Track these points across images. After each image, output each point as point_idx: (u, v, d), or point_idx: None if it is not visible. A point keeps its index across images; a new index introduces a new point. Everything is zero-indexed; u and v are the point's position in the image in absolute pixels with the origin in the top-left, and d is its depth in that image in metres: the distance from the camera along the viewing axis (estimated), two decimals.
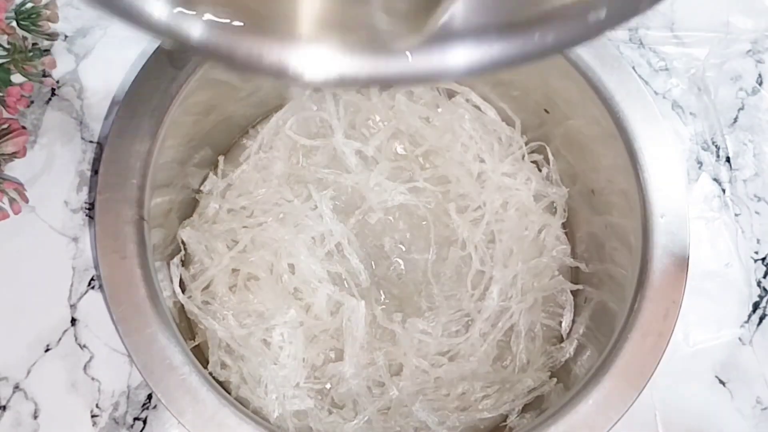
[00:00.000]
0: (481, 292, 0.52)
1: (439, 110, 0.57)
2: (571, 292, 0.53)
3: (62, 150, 0.49)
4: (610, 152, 0.48)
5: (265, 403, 0.46)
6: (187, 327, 0.50)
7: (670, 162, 0.46)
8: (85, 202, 0.47)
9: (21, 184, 0.47)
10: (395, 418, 0.48)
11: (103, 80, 0.50)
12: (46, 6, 0.48)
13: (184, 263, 0.51)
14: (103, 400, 0.44)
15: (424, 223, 0.55)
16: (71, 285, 0.46)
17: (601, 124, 0.48)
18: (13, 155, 0.46)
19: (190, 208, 0.53)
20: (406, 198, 0.53)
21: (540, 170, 0.56)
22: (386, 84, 0.24)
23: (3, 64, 0.47)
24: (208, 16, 0.21)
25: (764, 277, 0.51)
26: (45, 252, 0.46)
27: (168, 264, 0.49)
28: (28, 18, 0.48)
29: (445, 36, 0.22)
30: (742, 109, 0.54)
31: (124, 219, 0.43)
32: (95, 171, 0.47)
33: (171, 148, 0.47)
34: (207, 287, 0.50)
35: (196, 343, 0.49)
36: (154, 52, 0.46)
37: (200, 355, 0.49)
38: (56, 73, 0.50)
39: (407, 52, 0.22)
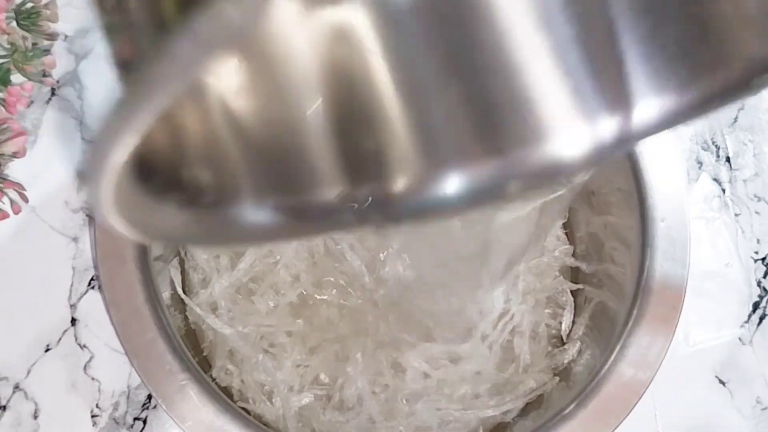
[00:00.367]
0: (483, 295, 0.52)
1: None
2: (572, 292, 0.53)
3: (62, 150, 0.48)
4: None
5: (267, 409, 0.46)
6: (187, 332, 0.50)
7: (670, 162, 0.46)
8: (85, 202, 0.47)
9: (21, 184, 0.47)
10: (397, 418, 0.48)
11: (103, 80, 0.50)
12: (46, 6, 0.48)
13: (186, 266, 0.51)
14: (103, 400, 0.44)
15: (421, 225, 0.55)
16: (71, 285, 0.46)
17: None
18: (13, 155, 0.46)
19: None
20: None
21: None
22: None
23: (3, 64, 0.47)
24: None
25: (764, 277, 0.51)
26: (45, 252, 0.46)
27: (171, 267, 0.49)
28: (28, 18, 0.48)
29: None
30: (742, 109, 0.54)
31: None
32: None
33: None
34: (210, 295, 0.50)
35: (203, 353, 0.49)
36: None
37: (201, 360, 0.49)
38: (56, 73, 0.50)
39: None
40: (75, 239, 0.47)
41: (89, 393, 0.44)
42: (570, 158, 0.21)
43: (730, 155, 0.53)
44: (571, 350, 0.50)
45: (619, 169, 0.48)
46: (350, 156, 0.22)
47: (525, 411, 0.50)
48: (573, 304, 0.53)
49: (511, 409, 0.49)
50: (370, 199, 0.22)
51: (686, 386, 0.48)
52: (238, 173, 0.22)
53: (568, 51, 0.20)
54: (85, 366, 0.45)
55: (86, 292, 0.46)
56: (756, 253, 0.51)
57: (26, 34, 0.47)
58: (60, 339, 0.45)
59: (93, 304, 0.46)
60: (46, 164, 0.48)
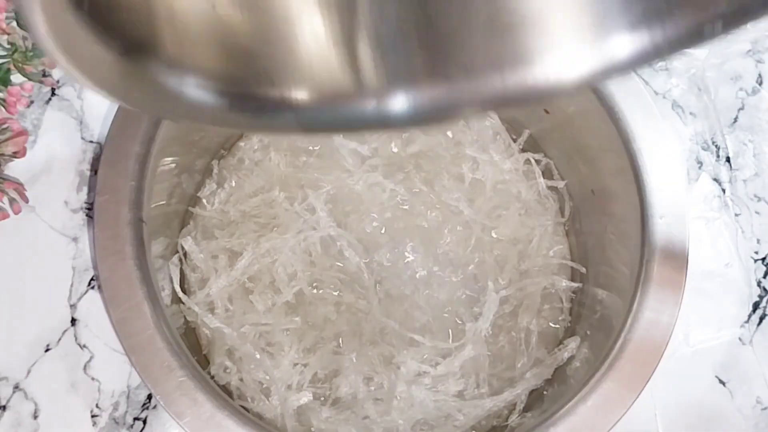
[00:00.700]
0: (481, 293, 0.52)
1: None
2: (572, 291, 0.53)
3: (62, 150, 0.48)
4: (609, 152, 0.48)
5: (266, 407, 0.46)
6: (186, 330, 0.50)
7: (670, 162, 0.46)
8: (85, 202, 0.47)
9: (21, 184, 0.47)
10: (393, 414, 0.48)
11: None
12: None
13: (184, 266, 0.51)
14: (103, 400, 0.44)
15: (423, 224, 0.55)
16: (71, 285, 0.46)
17: (601, 124, 0.48)
18: (13, 155, 0.46)
19: (189, 209, 0.53)
20: (403, 199, 0.53)
21: (539, 170, 0.56)
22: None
23: (3, 64, 0.47)
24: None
25: (764, 277, 0.51)
26: (45, 252, 0.46)
27: (170, 267, 0.49)
28: None
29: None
30: (742, 109, 0.54)
31: (123, 221, 0.43)
32: (95, 171, 0.47)
33: (170, 149, 0.47)
34: (208, 295, 0.50)
35: (202, 351, 0.49)
36: None
37: (200, 358, 0.49)
38: (56, 73, 0.50)
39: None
40: (75, 239, 0.47)
41: (89, 393, 0.44)
42: (563, 80, 0.21)
43: (730, 155, 0.53)
44: (571, 346, 0.50)
45: (619, 168, 0.48)
46: (300, 61, 0.22)
47: (524, 408, 0.50)
48: (573, 303, 0.53)
49: (512, 409, 0.49)
50: (308, 103, 0.22)
51: (686, 386, 0.48)
52: (168, 29, 0.22)
53: None
54: (85, 366, 0.45)
55: (86, 292, 0.46)
56: (756, 253, 0.51)
57: (26, 34, 0.47)
58: (60, 339, 0.45)
59: (93, 304, 0.45)
60: (46, 164, 0.48)
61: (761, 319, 0.50)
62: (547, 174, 0.56)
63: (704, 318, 0.49)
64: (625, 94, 0.47)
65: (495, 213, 0.55)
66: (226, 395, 0.42)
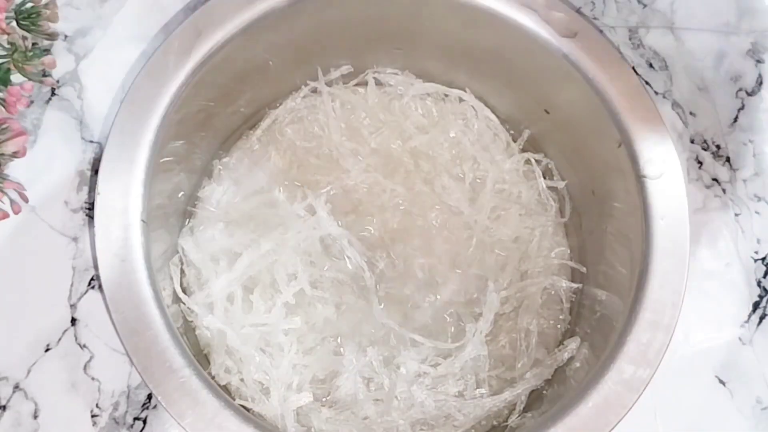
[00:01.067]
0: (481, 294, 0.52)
1: (433, 114, 0.57)
2: (572, 291, 0.53)
3: (62, 150, 0.48)
4: (610, 152, 0.48)
5: (266, 407, 0.46)
6: (187, 330, 0.50)
7: (670, 162, 0.46)
8: (85, 202, 0.47)
9: (21, 184, 0.47)
10: (393, 414, 0.48)
11: (103, 80, 0.50)
12: (45, 6, 0.48)
13: (184, 266, 0.51)
14: (103, 400, 0.44)
15: (423, 224, 0.55)
16: (71, 285, 0.46)
17: (601, 124, 0.48)
18: (13, 155, 0.46)
19: (189, 209, 0.53)
20: (403, 199, 0.53)
21: (539, 170, 0.56)
22: None
23: (3, 63, 0.47)
24: None
25: (764, 276, 0.51)
26: (45, 252, 0.46)
27: (170, 267, 0.49)
28: (28, 18, 0.48)
29: None
30: (742, 109, 0.54)
31: (123, 220, 0.43)
32: (95, 171, 0.47)
33: (170, 149, 0.47)
34: (207, 295, 0.50)
35: (202, 351, 0.49)
36: (155, 51, 0.46)
37: (201, 358, 0.49)
38: (56, 73, 0.50)
39: None
40: (75, 239, 0.47)
41: (89, 393, 0.44)
42: None
43: (730, 155, 0.53)
44: (571, 347, 0.50)
45: (619, 169, 0.48)
46: None
47: (524, 409, 0.50)
48: (572, 301, 0.53)
49: (512, 409, 0.49)
50: None
51: (686, 386, 0.48)
52: None
53: None
54: (85, 366, 0.45)
55: (86, 292, 0.46)
56: (756, 253, 0.51)
57: (26, 34, 0.47)
58: (60, 339, 0.45)
59: (93, 304, 0.46)
60: (46, 164, 0.48)
61: (761, 318, 0.50)
62: (547, 174, 0.56)
63: (704, 318, 0.49)
64: (625, 94, 0.47)
65: (495, 213, 0.55)
66: (227, 395, 0.42)
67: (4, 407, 0.44)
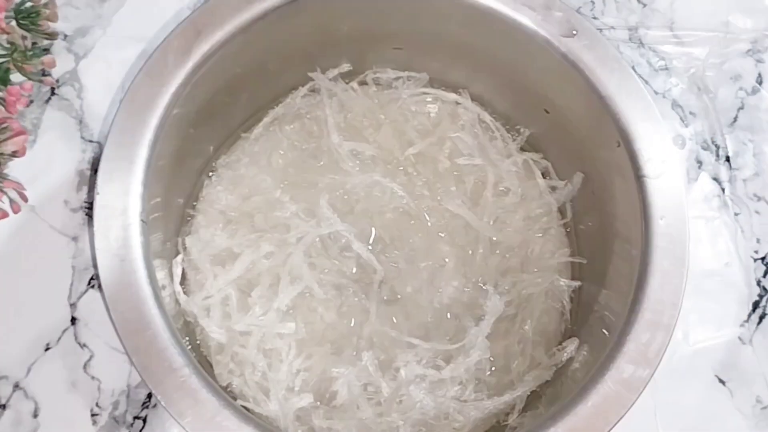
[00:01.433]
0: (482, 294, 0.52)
1: (432, 115, 0.57)
2: (572, 292, 0.53)
3: (62, 149, 0.49)
4: (609, 152, 0.48)
5: (267, 408, 0.46)
6: (186, 330, 0.50)
7: (669, 162, 0.46)
8: (85, 202, 0.47)
9: (21, 184, 0.47)
10: (393, 415, 0.48)
11: (103, 79, 0.50)
12: (45, 5, 0.48)
13: (184, 266, 0.51)
14: (103, 399, 0.44)
15: (423, 225, 0.54)
16: (71, 284, 0.46)
17: (601, 124, 0.48)
18: (13, 155, 0.46)
19: (189, 210, 0.53)
20: (403, 200, 0.53)
21: (538, 170, 0.56)
22: None
23: (2, 63, 0.47)
24: None
25: (764, 276, 0.51)
26: (45, 251, 0.46)
27: (170, 267, 0.49)
28: (27, 17, 0.48)
29: None
30: (742, 108, 0.54)
31: (123, 220, 0.43)
32: (95, 170, 0.47)
33: (170, 149, 0.47)
34: (206, 297, 0.50)
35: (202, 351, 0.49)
36: (154, 51, 0.46)
37: (201, 358, 0.49)
38: (56, 73, 0.50)
39: None
40: (75, 239, 0.47)
41: (89, 392, 0.44)
42: None
43: (730, 155, 0.53)
44: (569, 348, 0.50)
45: (619, 169, 0.48)
46: None
47: (524, 409, 0.50)
48: (572, 302, 0.53)
49: (512, 409, 0.49)
50: None
51: (686, 385, 0.48)
52: None
53: None
54: (85, 365, 0.45)
55: (86, 291, 0.46)
56: (756, 252, 0.51)
57: (26, 33, 0.47)
58: (60, 338, 0.45)
59: (93, 303, 0.46)
60: (46, 164, 0.48)
61: (761, 318, 0.50)
62: (546, 175, 0.56)
63: (704, 317, 0.49)
64: (625, 94, 0.47)
65: (495, 214, 0.55)
66: (227, 395, 0.42)
67: (4, 406, 0.44)
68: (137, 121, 0.44)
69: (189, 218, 0.53)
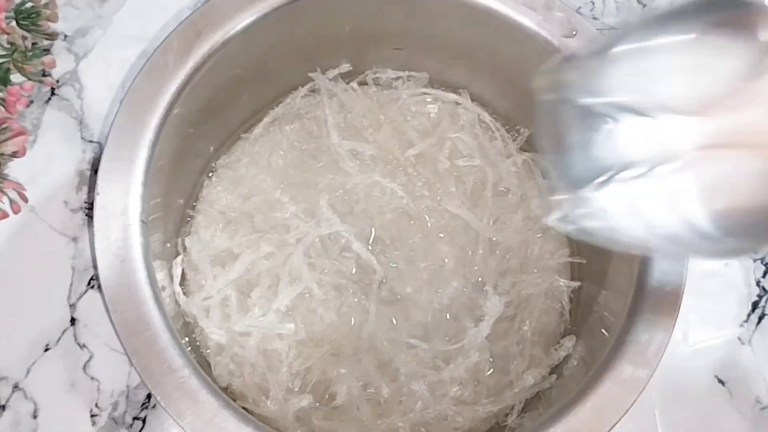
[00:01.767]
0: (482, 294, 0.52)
1: (432, 115, 0.57)
2: (571, 292, 0.53)
3: (62, 150, 0.49)
4: None
5: (267, 408, 0.46)
6: (186, 330, 0.50)
7: None
8: (85, 202, 0.47)
9: (21, 184, 0.47)
10: (392, 416, 0.48)
11: (103, 80, 0.50)
12: (45, 6, 0.49)
13: (184, 267, 0.51)
14: (103, 400, 0.44)
15: (423, 226, 0.55)
16: (71, 285, 0.46)
17: None
18: (13, 155, 0.46)
19: (188, 209, 0.53)
20: (403, 201, 0.53)
21: (539, 170, 0.56)
22: None
23: (3, 63, 0.47)
24: None
25: (763, 276, 0.51)
26: (45, 252, 0.46)
27: (170, 267, 0.49)
28: (27, 17, 0.48)
29: None
30: None
31: (123, 221, 0.43)
32: (95, 171, 0.47)
33: (170, 149, 0.47)
34: (206, 297, 0.50)
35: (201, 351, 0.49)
36: (155, 51, 0.46)
37: (201, 359, 0.49)
38: (56, 73, 0.50)
39: None
40: (74, 239, 0.47)
41: (88, 392, 0.44)
42: None
43: None
44: (567, 345, 0.49)
45: None
46: None
47: (524, 410, 0.50)
48: (571, 302, 0.53)
49: (511, 410, 0.49)
50: None
51: (686, 386, 0.48)
52: None
53: None
54: (85, 365, 0.45)
55: (86, 291, 0.46)
56: (755, 252, 0.52)
57: (26, 33, 0.47)
58: (59, 339, 0.45)
59: (92, 304, 0.46)
60: (46, 164, 0.48)
61: (760, 318, 0.50)
62: (546, 175, 0.56)
63: (704, 318, 0.49)
64: None
65: (495, 214, 0.55)
66: (226, 396, 0.42)
67: (3, 407, 0.44)
68: (137, 121, 0.44)
69: (189, 219, 0.53)
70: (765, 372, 0.49)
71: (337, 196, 0.54)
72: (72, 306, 0.46)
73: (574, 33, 0.47)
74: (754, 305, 0.50)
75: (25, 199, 0.46)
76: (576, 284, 0.53)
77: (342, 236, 0.52)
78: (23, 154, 0.47)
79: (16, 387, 0.44)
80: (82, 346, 0.45)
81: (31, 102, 0.49)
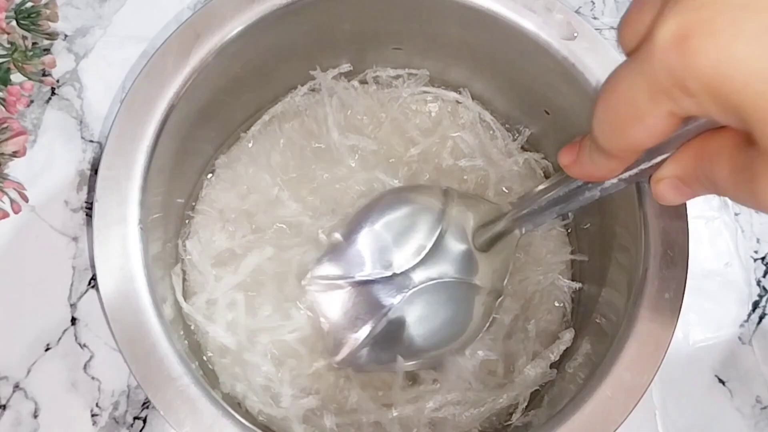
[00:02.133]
0: None
1: (433, 114, 0.57)
2: (572, 292, 0.53)
3: (62, 150, 0.48)
4: None
5: (273, 412, 0.46)
6: (187, 335, 0.50)
7: None
8: (85, 202, 0.47)
9: (21, 184, 0.47)
10: (405, 415, 0.48)
11: (103, 79, 0.50)
12: (45, 5, 0.48)
13: (185, 268, 0.51)
14: (103, 400, 0.44)
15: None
16: (71, 284, 0.46)
17: None
18: (13, 155, 0.46)
19: (188, 210, 0.53)
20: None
21: (540, 170, 0.56)
22: None
23: (3, 63, 0.47)
24: None
25: (764, 276, 0.51)
26: (45, 252, 0.46)
27: (170, 273, 0.49)
28: (27, 17, 0.48)
29: None
30: None
31: (122, 221, 0.43)
32: (95, 171, 0.47)
33: (170, 149, 0.47)
34: (207, 300, 0.50)
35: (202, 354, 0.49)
36: (155, 52, 0.46)
37: (201, 361, 0.49)
38: (56, 73, 0.50)
39: None
40: (75, 239, 0.47)
41: (89, 392, 0.44)
42: None
43: None
44: (566, 338, 0.49)
45: None
46: None
47: (527, 409, 0.50)
48: (573, 301, 0.53)
49: (515, 409, 0.49)
50: None
51: (686, 386, 0.48)
52: None
53: None
54: (85, 365, 0.45)
55: (86, 291, 0.46)
56: (756, 252, 0.51)
57: (26, 33, 0.47)
58: (60, 338, 0.45)
59: (93, 304, 0.46)
60: (46, 164, 0.48)
61: (761, 318, 0.50)
62: (547, 176, 0.56)
63: (704, 317, 0.49)
64: None
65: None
66: (225, 405, 0.41)
67: (4, 407, 0.44)
68: (136, 124, 0.44)
69: (188, 219, 0.53)
70: (766, 372, 0.49)
71: (338, 193, 0.54)
72: (72, 306, 0.46)
73: (575, 35, 0.47)
74: (755, 305, 0.50)
75: (26, 199, 0.46)
76: (577, 285, 0.53)
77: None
78: (23, 153, 0.47)
79: (16, 387, 0.44)
80: (83, 346, 0.45)
81: (32, 102, 0.49)
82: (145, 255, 0.42)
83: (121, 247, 0.42)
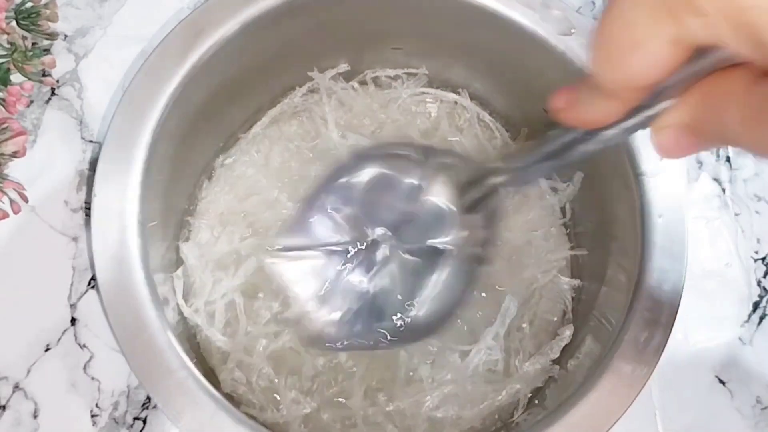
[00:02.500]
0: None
1: (433, 115, 0.57)
2: (572, 291, 0.53)
3: (62, 150, 0.49)
4: (608, 150, 0.48)
5: (273, 414, 0.46)
6: (187, 334, 0.50)
7: (669, 161, 0.46)
8: (85, 202, 0.47)
9: (21, 184, 0.47)
10: (404, 414, 0.48)
11: (103, 80, 0.50)
12: (45, 5, 0.49)
13: (185, 268, 0.51)
14: (103, 400, 0.44)
15: None
16: (71, 284, 0.46)
17: None
18: (13, 155, 0.46)
19: (188, 210, 0.53)
20: None
21: None
22: None
23: (3, 63, 0.47)
24: None
25: (764, 276, 0.51)
26: (45, 252, 0.46)
27: (171, 274, 0.49)
28: (27, 17, 0.48)
29: None
30: None
31: (122, 222, 0.43)
32: (95, 171, 0.47)
33: (170, 149, 0.47)
34: (207, 302, 0.50)
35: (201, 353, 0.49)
36: (153, 51, 0.46)
37: (201, 361, 0.49)
38: (56, 73, 0.50)
39: None
40: (75, 239, 0.47)
41: (89, 392, 0.44)
42: None
43: (730, 155, 0.53)
44: (566, 334, 0.49)
45: (618, 168, 0.48)
46: None
47: (528, 406, 0.50)
48: (573, 300, 0.53)
49: (515, 407, 0.49)
50: None
51: (686, 386, 0.48)
52: None
53: None
54: (85, 365, 0.45)
55: (86, 291, 0.46)
56: (756, 252, 0.51)
57: (26, 33, 0.47)
58: (60, 339, 0.45)
59: (93, 304, 0.46)
60: (46, 164, 0.48)
61: (761, 318, 0.50)
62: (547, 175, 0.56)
63: (704, 318, 0.49)
64: None
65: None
66: (224, 398, 0.42)
67: (3, 407, 0.44)
68: (135, 123, 0.44)
69: (188, 220, 0.53)
70: (766, 372, 0.49)
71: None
72: (72, 306, 0.46)
73: (572, 31, 0.47)
74: (755, 305, 0.50)
75: (26, 199, 0.46)
76: (577, 282, 0.53)
77: None
78: (23, 154, 0.47)
79: (16, 387, 0.44)
80: (83, 346, 0.45)
81: (31, 102, 0.49)
82: (143, 250, 0.43)
83: (120, 242, 0.42)
